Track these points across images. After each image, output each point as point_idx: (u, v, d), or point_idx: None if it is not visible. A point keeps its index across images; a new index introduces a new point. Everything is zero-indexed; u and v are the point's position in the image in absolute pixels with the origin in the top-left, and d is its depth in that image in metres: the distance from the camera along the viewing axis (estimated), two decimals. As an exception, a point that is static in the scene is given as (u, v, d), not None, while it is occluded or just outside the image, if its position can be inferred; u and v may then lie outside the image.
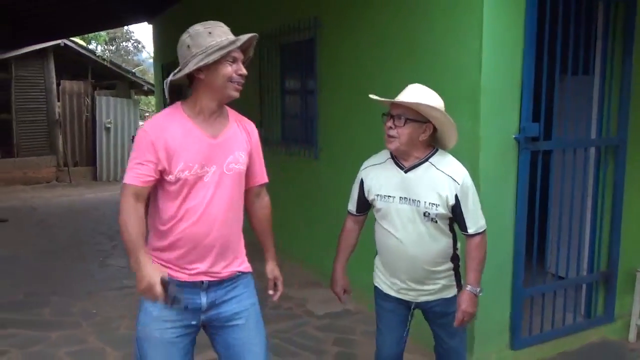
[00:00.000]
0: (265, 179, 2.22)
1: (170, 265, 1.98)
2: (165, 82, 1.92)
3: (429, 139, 2.25)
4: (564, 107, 3.53)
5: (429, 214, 2.22)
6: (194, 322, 2.02)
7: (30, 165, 12.03)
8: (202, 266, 1.99)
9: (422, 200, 2.22)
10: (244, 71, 1.93)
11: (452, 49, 3.24)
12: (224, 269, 2.04)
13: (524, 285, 3.38)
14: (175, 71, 1.91)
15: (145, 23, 11.17)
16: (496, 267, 3.09)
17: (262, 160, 2.21)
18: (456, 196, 2.19)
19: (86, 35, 17.18)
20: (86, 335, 3.83)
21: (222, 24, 1.94)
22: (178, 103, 2.00)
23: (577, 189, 3.68)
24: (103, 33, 18.72)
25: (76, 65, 12.87)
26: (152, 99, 15.18)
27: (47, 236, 6.93)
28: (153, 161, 1.88)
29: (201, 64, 1.84)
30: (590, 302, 3.80)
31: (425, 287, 2.36)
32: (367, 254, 2.64)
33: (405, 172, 2.26)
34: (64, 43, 12.18)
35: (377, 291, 2.51)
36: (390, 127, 2.20)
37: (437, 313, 2.43)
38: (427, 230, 2.25)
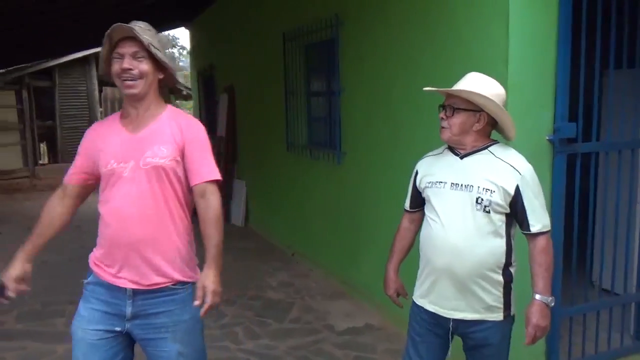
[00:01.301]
0: (208, 177, 1.96)
1: (101, 265, 1.98)
2: None
3: (487, 130, 2.11)
4: (606, 104, 3.17)
5: (482, 200, 1.99)
6: (117, 329, 1.96)
7: (73, 170, 12.30)
8: (123, 270, 1.94)
9: (475, 185, 2.02)
10: (125, 65, 1.87)
11: (475, 40, 2.95)
12: (149, 276, 1.93)
13: (562, 303, 3.03)
14: None
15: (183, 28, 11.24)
16: (529, 284, 2.76)
17: (207, 158, 2.00)
18: (517, 187, 1.98)
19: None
20: (94, 348, 3.70)
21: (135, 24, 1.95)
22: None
23: (623, 195, 3.29)
24: (147, 40, 19.08)
25: (118, 72, 13.11)
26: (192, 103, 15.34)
27: (80, 242, 6.90)
28: (79, 161, 2.03)
29: (102, 67, 1.95)
30: (640, 322, 3.40)
31: (466, 299, 2.04)
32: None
33: (461, 158, 2.12)
34: (106, 50, 12.40)
35: (412, 309, 2.23)
36: (442, 118, 2.12)
37: (478, 340, 2.08)
38: (476, 223, 1.99)
